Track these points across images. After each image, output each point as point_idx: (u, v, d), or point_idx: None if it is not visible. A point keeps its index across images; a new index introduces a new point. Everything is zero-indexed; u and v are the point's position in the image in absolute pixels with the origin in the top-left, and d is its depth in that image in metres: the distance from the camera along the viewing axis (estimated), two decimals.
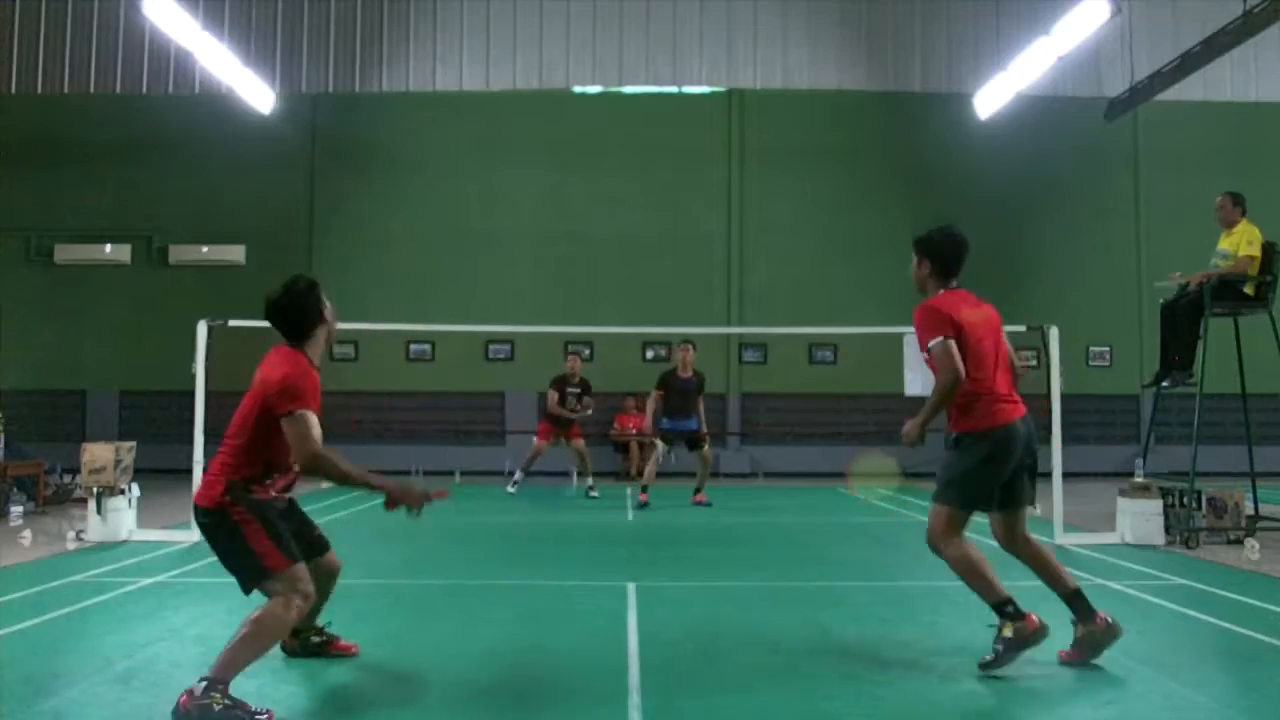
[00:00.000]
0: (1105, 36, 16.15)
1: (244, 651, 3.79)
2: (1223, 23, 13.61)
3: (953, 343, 4.44)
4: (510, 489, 13.39)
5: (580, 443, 13.50)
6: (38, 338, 17.99)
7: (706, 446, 12.40)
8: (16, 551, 7.88)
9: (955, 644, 4.93)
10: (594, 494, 13.09)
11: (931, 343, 4.44)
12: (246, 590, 4.02)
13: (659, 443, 12.32)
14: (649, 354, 18.19)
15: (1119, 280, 18.17)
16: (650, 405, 12.40)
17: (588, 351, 17.86)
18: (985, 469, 4.53)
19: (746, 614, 5.37)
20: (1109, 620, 4.50)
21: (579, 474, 13.79)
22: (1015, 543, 4.70)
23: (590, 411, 13.76)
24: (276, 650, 4.72)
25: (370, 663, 4.56)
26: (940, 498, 4.63)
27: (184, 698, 3.63)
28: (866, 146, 18.70)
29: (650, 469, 12.23)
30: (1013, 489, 4.62)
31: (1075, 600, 4.56)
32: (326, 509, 11.62)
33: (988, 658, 4.37)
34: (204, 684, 3.63)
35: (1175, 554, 8.11)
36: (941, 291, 4.66)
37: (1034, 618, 4.38)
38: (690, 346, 12.51)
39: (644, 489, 12.06)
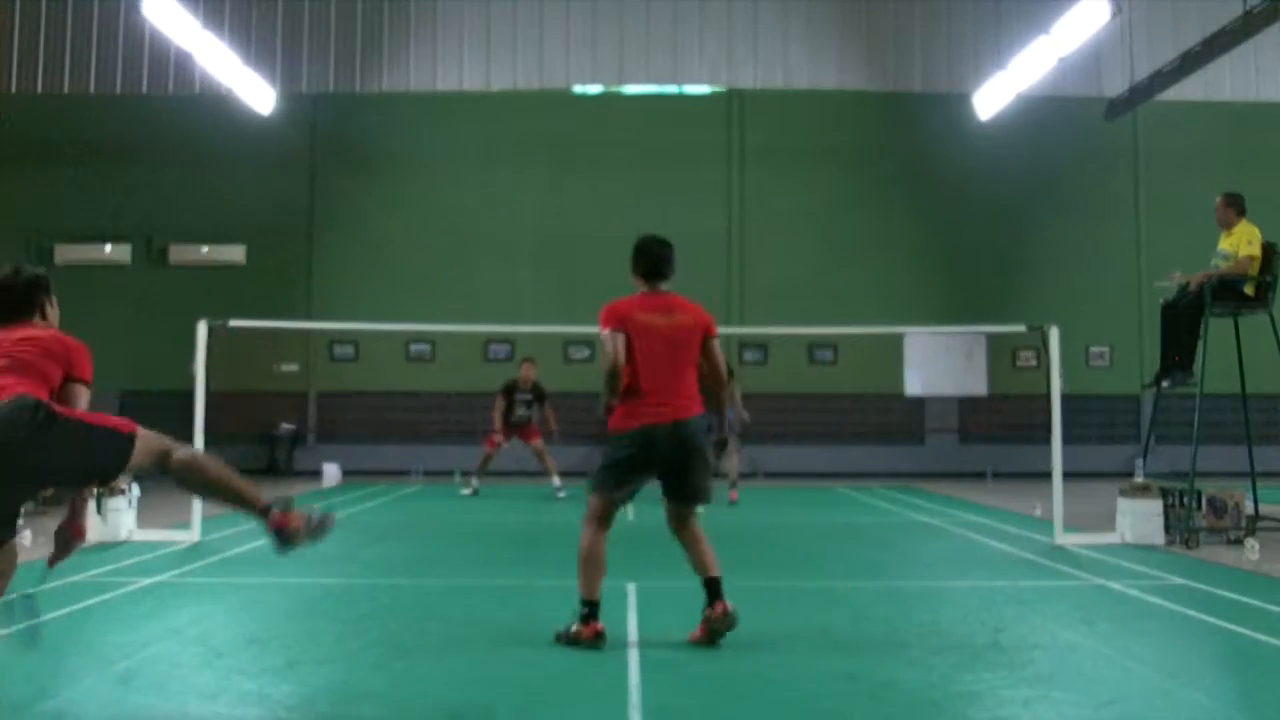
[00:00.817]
0: (1105, 36, 16.15)
1: None
2: (1223, 23, 13.62)
3: (620, 336, 4.88)
4: (465, 491, 13.46)
5: (538, 442, 13.38)
6: None
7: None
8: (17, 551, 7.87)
9: (955, 644, 4.93)
10: (561, 495, 12.72)
11: (601, 333, 4.97)
12: None
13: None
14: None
15: (1119, 280, 18.17)
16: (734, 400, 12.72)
17: (587, 352, 17.86)
18: (621, 466, 4.92)
19: (746, 614, 5.34)
20: (728, 609, 4.82)
21: (545, 473, 13.39)
22: (679, 529, 5.09)
23: (554, 427, 13.41)
24: (277, 650, 4.72)
25: (370, 662, 4.55)
26: (589, 486, 5.12)
27: None
28: (866, 146, 18.71)
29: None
30: (673, 486, 4.99)
31: (709, 586, 4.90)
32: (326, 509, 11.63)
33: (558, 630, 4.83)
34: None
35: (1175, 554, 8.10)
36: (638, 292, 5.11)
37: (596, 627, 4.76)
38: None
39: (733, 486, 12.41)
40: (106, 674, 4.28)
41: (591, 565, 4.89)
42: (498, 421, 13.36)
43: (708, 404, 5.20)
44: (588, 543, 4.95)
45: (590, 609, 4.77)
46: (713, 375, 5.15)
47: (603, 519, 5.00)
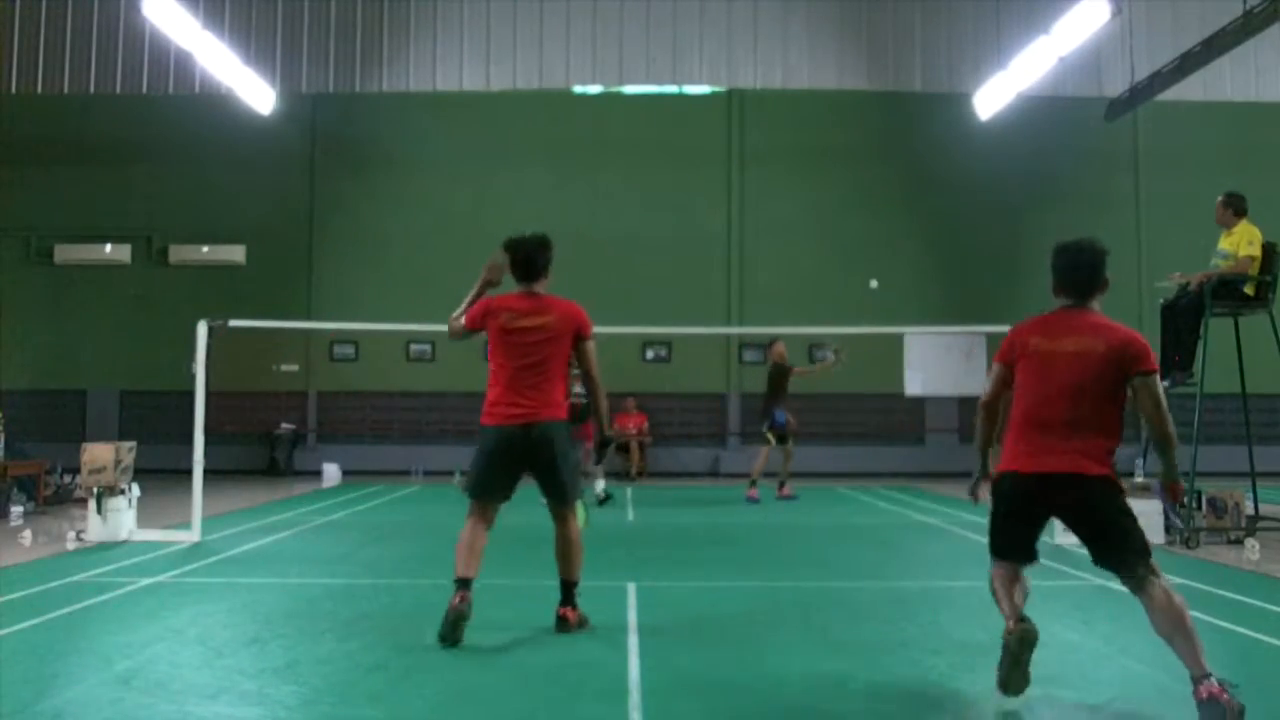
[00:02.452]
0: (1105, 36, 16.15)
1: None
2: (1223, 23, 13.62)
3: (484, 334, 5.15)
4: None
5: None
6: (38, 338, 18.01)
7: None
8: (16, 551, 7.88)
9: (955, 644, 4.93)
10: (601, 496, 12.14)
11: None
12: None
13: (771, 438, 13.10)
14: (649, 354, 18.22)
15: (1119, 280, 17.78)
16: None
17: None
18: (479, 462, 5.17)
19: (746, 614, 5.36)
20: (576, 619, 5.15)
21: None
22: (555, 526, 5.30)
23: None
24: (277, 650, 4.73)
25: (369, 662, 4.55)
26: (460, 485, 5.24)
27: None
28: (866, 146, 18.71)
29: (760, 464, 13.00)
30: (539, 483, 5.19)
31: (563, 587, 5.21)
32: (325, 509, 11.63)
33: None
34: None
35: (1175, 554, 8.10)
36: (512, 292, 5.28)
37: (462, 594, 4.88)
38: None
39: (752, 483, 12.69)
40: (106, 674, 4.28)
41: (461, 551, 5.07)
42: None
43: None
44: (463, 533, 5.18)
45: (460, 584, 4.91)
46: (586, 378, 5.30)
47: (475, 512, 5.23)
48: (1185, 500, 8.72)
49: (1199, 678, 3.70)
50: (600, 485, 12.25)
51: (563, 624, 5.13)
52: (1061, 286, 4.22)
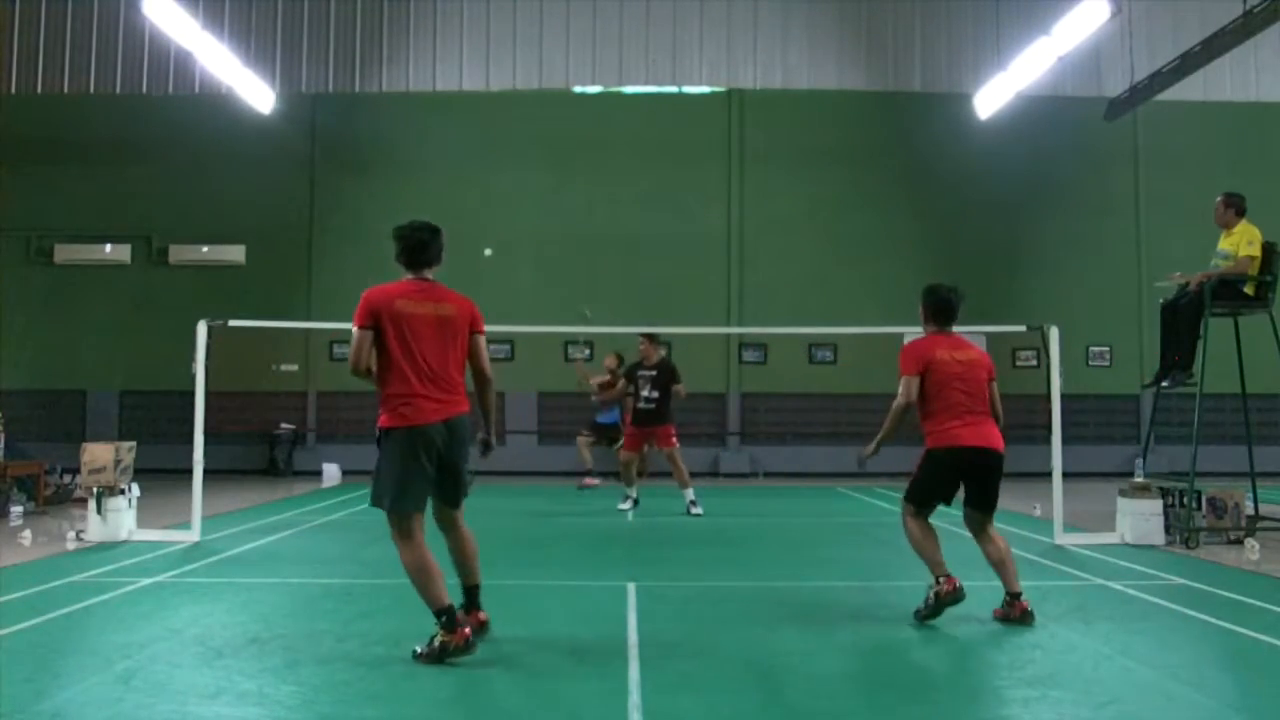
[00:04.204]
0: (1105, 36, 16.15)
1: None
2: (1223, 23, 13.61)
3: (366, 334, 4.81)
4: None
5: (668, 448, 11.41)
6: (38, 338, 18.00)
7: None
8: (16, 551, 7.88)
9: (955, 644, 4.93)
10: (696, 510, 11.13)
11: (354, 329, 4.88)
12: None
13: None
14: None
15: (1119, 280, 18.17)
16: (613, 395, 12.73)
17: (587, 352, 17.84)
18: (394, 464, 4.63)
19: (746, 614, 5.37)
20: (482, 621, 4.95)
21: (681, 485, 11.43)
22: (447, 530, 4.99)
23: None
24: (277, 650, 4.72)
25: (370, 662, 4.55)
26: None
27: None
28: (866, 146, 18.71)
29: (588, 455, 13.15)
30: (441, 485, 4.78)
31: (467, 593, 4.99)
32: (325, 509, 11.63)
33: (417, 649, 4.58)
34: None
35: (1175, 554, 8.11)
36: (401, 280, 5.18)
37: (464, 633, 4.54)
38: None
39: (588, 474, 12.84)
40: (106, 674, 4.28)
41: (423, 575, 4.64)
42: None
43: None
44: (407, 559, 4.70)
45: (446, 616, 4.52)
46: (479, 376, 5.01)
47: (397, 525, 4.70)
48: (1186, 501, 8.72)
49: (1016, 594, 5.38)
50: (631, 491, 11.82)
51: (485, 629, 4.92)
52: (938, 316, 5.83)
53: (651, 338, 11.68)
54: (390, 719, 3.83)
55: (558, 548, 8.92)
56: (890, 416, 5.81)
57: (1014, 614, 5.33)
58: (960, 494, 5.73)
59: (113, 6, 18.29)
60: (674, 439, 11.35)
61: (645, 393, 11.29)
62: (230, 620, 5.46)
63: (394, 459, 4.60)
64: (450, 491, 4.82)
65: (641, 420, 11.32)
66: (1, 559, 7.46)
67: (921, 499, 5.70)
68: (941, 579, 5.34)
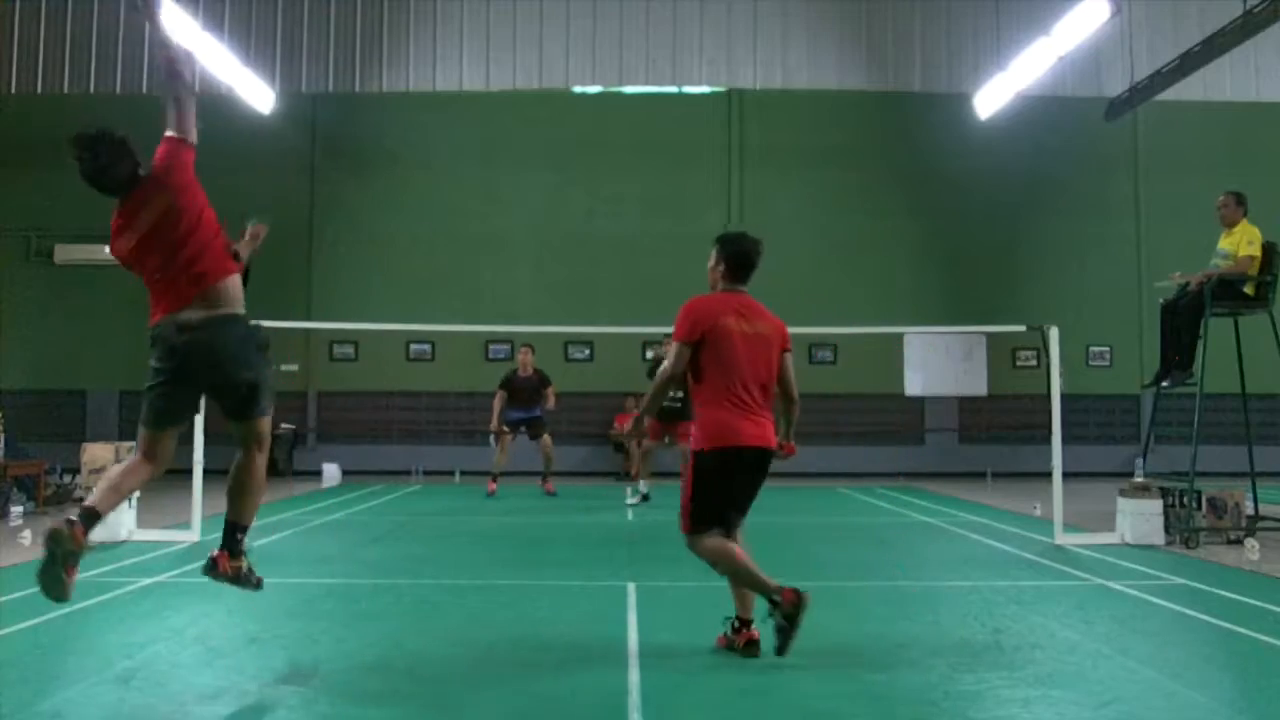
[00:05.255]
0: (1105, 36, 16.15)
1: None
2: (1223, 23, 13.62)
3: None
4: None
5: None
6: (38, 338, 18.00)
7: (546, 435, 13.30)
8: (16, 551, 7.88)
9: (955, 644, 4.93)
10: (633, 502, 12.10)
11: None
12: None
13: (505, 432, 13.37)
14: (649, 354, 18.19)
15: (1119, 280, 18.17)
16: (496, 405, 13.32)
17: (587, 351, 17.86)
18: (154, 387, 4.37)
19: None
20: (231, 566, 4.52)
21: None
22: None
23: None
24: (277, 650, 4.73)
25: (370, 662, 4.55)
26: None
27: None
28: (866, 146, 18.71)
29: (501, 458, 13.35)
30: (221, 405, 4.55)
31: (230, 531, 4.51)
32: (325, 509, 11.64)
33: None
34: None
35: (1175, 554, 8.11)
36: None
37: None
38: (529, 349, 13.51)
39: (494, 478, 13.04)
40: (106, 674, 4.28)
41: (113, 491, 4.20)
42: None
43: None
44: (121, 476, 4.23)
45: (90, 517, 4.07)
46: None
47: (145, 453, 4.30)
48: (1186, 501, 8.72)
49: (747, 621, 4.70)
50: (642, 485, 12.35)
51: (211, 568, 4.42)
52: (737, 272, 5.05)
53: None
54: (390, 719, 3.83)
55: (558, 548, 8.92)
56: (652, 388, 4.84)
57: (738, 643, 4.67)
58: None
59: (113, 6, 18.30)
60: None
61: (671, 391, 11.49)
62: (230, 620, 5.46)
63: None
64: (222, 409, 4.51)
65: (667, 416, 11.55)
66: (1, 559, 7.46)
67: (704, 518, 4.68)
68: (775, 595, 4.52)
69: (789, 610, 4.46)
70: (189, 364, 4.26)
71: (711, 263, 5.10)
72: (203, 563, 4.50)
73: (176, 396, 4.35)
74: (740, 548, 4.68)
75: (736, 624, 4.70)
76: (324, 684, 4.18)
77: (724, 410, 4.58)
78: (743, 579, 4.61)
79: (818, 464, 17.77)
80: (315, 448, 18.19)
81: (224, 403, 4.47)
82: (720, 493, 4.65)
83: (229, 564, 4.43)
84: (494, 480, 13.20)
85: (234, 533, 4.45)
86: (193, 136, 4.43)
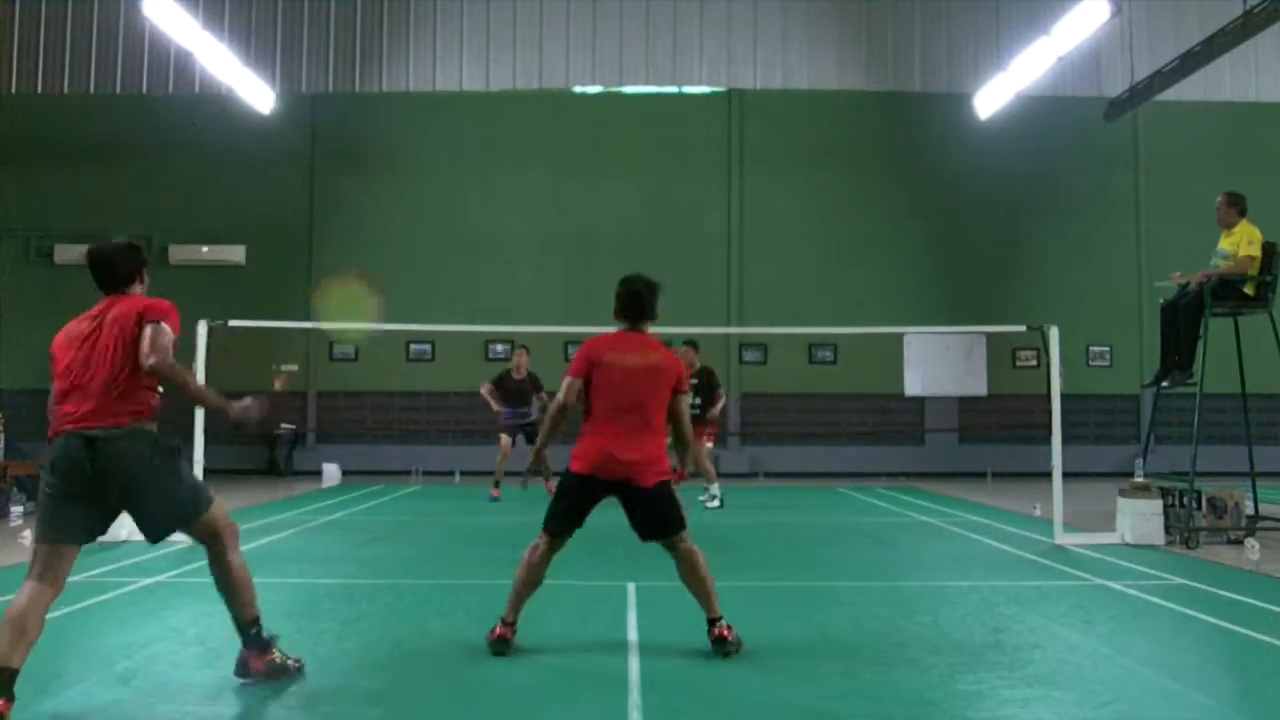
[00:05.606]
0: (1105, 36, 16.16)
1: None
2: (1223, 23, 13.62)
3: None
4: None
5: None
6: (38, 338, 17.95)
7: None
8: (16, 551, 7.87)
9: (955, 644, 4.93)
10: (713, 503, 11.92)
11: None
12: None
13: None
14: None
15: (1119, 280, 18.17)
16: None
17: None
18: (47, 482, 3.93)
19: (746, 614, 5.35)
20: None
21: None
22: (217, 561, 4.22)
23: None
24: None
25: (370, 662, 4.55)
26: None
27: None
28: (866, 146, 18.72)
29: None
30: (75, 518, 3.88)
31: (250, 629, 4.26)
32: (325, 509, 11.63)
33: None
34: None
35: (1175, 554, 8.10)
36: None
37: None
38: (525, 351, 13.25)
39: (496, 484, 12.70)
40: (106, 674, 4.28)
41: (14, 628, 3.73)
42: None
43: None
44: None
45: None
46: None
47: (40, 563, 3.84)
48: (1186, 501, 8.72)
49: (715, 619, 4.78)
50: (714, 487, 12.06)
51: (244, 673, 4.16)
52: (626, 310, 5.19)
53: (695, 346, 12.32)
54: (390, 719, 3.82)
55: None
56: (546, 419, 5.02)
57: (711, 639, 4.75)
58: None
59: (113, 6, 18.29)
60: (705, 439, 11.92)
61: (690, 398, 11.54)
62: (230, 620, 5.45)
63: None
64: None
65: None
66: (1, 559, 7.46)
67: (553, 526, 4.82)
68: (499, 622, 4.75)
69: (491, 639, 4.73)
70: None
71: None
72: (234, 668, 4.16)
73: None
74: (680, 565, 4.84)
75: (707, 622, 4.83)
76: (324, 684, 4.18)
77: (593, 439, 4.80)
78: (514, 585, 4.83)
79: (818, 464, 17.79)
80: (315, 448, 18.19)
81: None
82: (564, 508, 4.83)
83: (261, 661, 4.17)
84: (496, 486, 12.90)
85: (248, 630, 4.20)
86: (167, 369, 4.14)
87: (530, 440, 13.24)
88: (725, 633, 4.73)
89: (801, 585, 6.88)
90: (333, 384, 18.43)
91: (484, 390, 13.16)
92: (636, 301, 5.17)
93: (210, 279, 18.00)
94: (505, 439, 13.18)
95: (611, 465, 4.74)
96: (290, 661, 4.25)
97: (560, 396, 4.87)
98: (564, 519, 4.82)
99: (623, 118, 18.90)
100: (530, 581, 4.82)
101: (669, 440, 4.99)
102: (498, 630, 4.75)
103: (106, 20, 18.57)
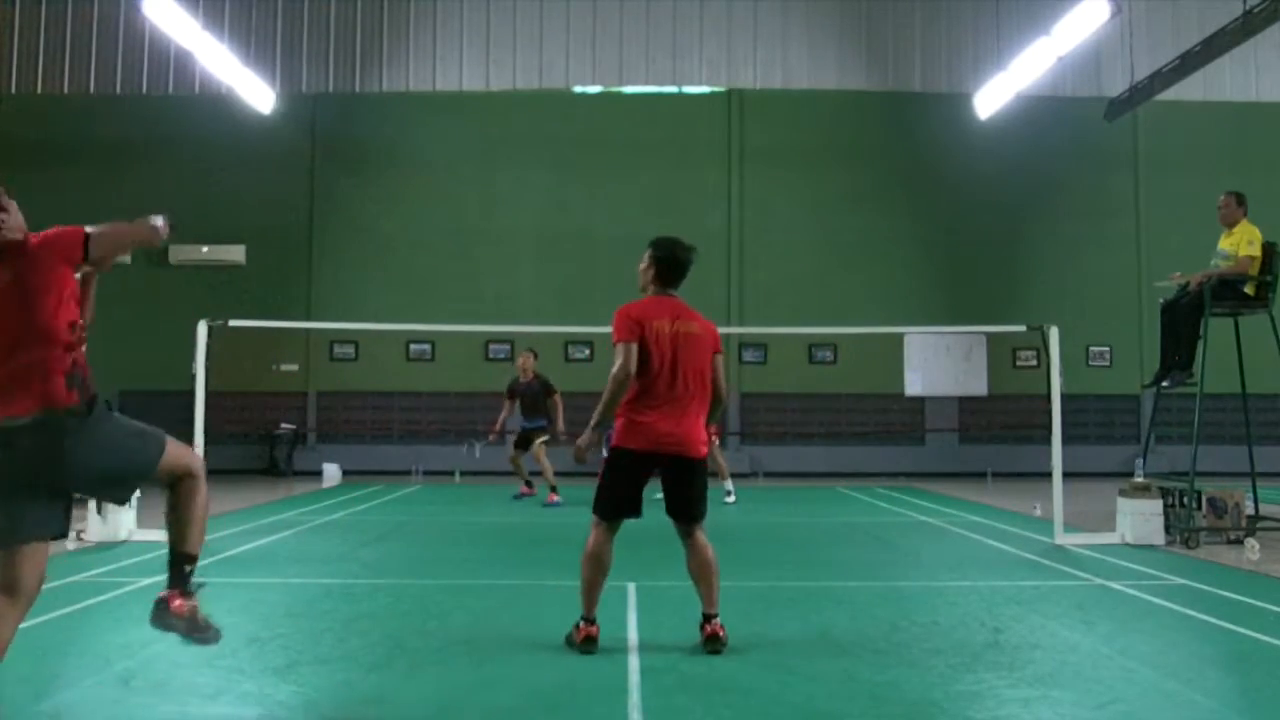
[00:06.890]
0: (1105, 36, 16.16)
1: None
2: (1223, 23, 13.61)
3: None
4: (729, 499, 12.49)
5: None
6: None
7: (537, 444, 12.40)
8: None
9: (955, 644, 4.93)
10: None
11: None
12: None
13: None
14: None
15: (1119, 280, 18.17)
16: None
17: (587, 351, 17.85)
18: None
19: (746, 614, 5.36)
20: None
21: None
22: None
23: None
24: (277, 650, 4.72)
25: (370, 662, 4.55)
26: None
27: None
28: (866, 146, 18.72)
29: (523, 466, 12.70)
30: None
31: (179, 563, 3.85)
32: (325, 509, 11.63)
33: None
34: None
35: (1175, 554, 8.10)
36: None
37: None
38: (529, 354, 12.84)
39: (553, 488, 12.14)
40: (106, 674, 4.28)
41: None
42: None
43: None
44: None
45: None
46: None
47: None
48: (1186, 501, 8.72)
49: (709, 615, 4.74)
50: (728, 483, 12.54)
51: (162, 613, 3.76)
52: (666, 275, 5.06)
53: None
54: (390, 719, 3.82)
55: (557, 548, 8.91)
56: (608, 390, 4.72)
57: (703, 635, 4.73)
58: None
59: (113, 6, 18.29)
60: (713, 436, 11.86)
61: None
62: (230, 620, 5.44)
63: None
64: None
65: None
66: None
67: (606, 510, 4.79)
68: (582, 622, 4.72)
69: (575, 641, 4.71)
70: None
71: (643, 265, 5.11)
72: (150, 608, 3.75)
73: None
74: (693, 555, 4.83)
75: (702, 618, 4.80)
76: (324, 684, 4.18)
77: (645, 412, 4.69)
78: (583, 578, 4.82)
79: (818, 464, 17.80)
80: (315, 448, 18.19)
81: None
82: (618, 488, 4.76)
83: (184, 604, 3.71)
84: (554, 491, 12.20)
85: (181, 565, 3.77)
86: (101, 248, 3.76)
87: (518, 445, 12.69)
88: (719, 631, 4.71)
89: (801, 585, 6.88)
90: (333, 384, 18.44)
91: (505, 411, 12.67)
92: (680, 269, 5.08)
93: (210, 279, 18.01)
94: (514, 453, 12.67)
95: (671, 439, 4.67)
96: (211, 626, 3.74)
97: (621, 361, 4.70)
98: (630, 504, 4.74)
99: (623, 118, 18.90)
100: (602, 572, 4.77)
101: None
102: (583, 630, 4.71)
103: (106, 20, 18.58)
